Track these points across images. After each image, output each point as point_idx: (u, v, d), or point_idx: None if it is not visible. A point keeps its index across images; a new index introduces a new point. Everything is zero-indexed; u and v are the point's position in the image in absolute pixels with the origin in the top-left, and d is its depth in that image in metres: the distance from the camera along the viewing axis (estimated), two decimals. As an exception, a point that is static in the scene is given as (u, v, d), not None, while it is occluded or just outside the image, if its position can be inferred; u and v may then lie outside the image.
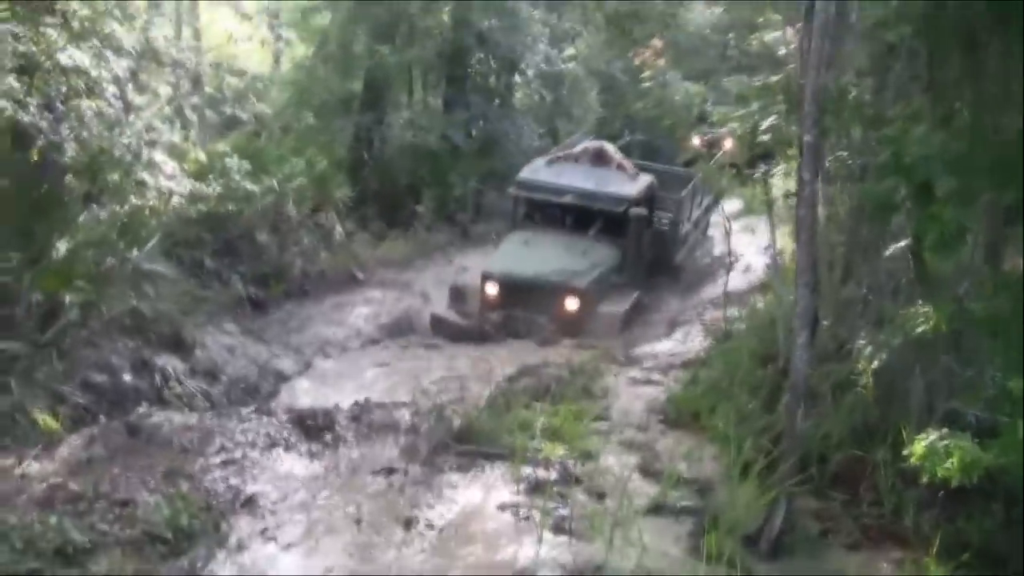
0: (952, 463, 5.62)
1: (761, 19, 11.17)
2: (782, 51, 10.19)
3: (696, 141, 12.02)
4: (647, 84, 12.02)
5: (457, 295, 16.69)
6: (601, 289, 16.65)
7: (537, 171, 18.78)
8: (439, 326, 16.19)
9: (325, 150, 20.29)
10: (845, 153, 9.05)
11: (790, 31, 9.78)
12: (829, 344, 8.53)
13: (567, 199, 17.87)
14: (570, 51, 26.44)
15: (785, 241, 11.95)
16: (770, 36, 10.94)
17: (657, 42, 11.90)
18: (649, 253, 18.21)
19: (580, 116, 27.82)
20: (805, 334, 6.83)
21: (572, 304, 16.01)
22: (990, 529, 6.48)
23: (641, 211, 17.67)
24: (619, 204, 17.57)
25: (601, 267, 16.96)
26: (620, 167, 18.69)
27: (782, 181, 11.81)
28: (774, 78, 9.27)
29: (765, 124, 9.37)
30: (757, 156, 11.31)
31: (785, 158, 10.61)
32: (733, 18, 13.33)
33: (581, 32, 25.93)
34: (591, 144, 19.67)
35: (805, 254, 6.97)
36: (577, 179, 18.31)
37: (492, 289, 16.25)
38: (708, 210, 21.77)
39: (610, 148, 19.31)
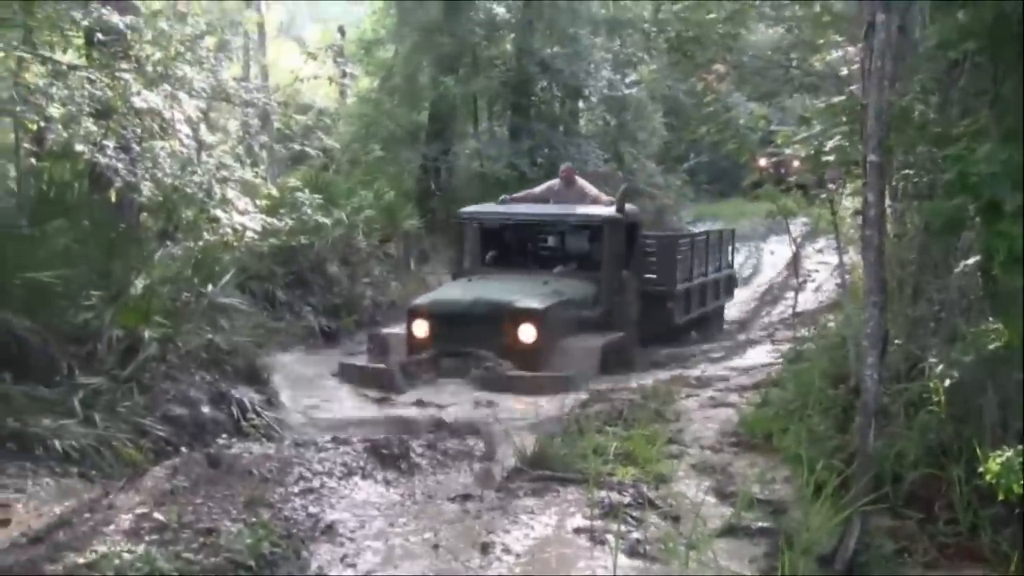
0: (1028, 480, 5.59)
1: (822, 40, 11.19)
2: (844, 71, 10.19)
3: (762, 163, 12.02)
4: (711, 108, 12.04)
5: (379, 346, 13.88)
6: (567, 321, 13.58)
7: (488, 207, 16.38)
8: (347, 374, 13.10)
9: (393, 181, 20.62)
10: (912, 171, 9.02)
11: (852, 50, 9.78)
12: (901, 363, 8.48)
13: (527, 222, 15.55)
14: (633, 76, 26.55)
15: (854, 260, 11.92)
16: (832, 56, 10.95)
17: (720, 66, 11.94)
18: (634, 302, 15.11)
19: (645, 140, 27.94)
20: (875, 353, 6.82)
21: (528, 333, 12.76)
22: (1070, 546, 6.43)
23: (617, 217, 14.82)
24: (590, 223, 15.13)
25: (566, 296, 13.93)
26: (595, 201, 15.86)
27: (849, 201, 11.79)
28: (837, 98, 9.27)
29: (829, 145, 9.36)
30: (823, 176, 11.31)
31: (851, 178, 10.59)
32: (795, 38, 13.28)
33: (643, 58, 25.99)
34: (554, 181, 16.69)
35: (873, 274, 6.96)
36: (539, 208, 15.90)
37: (421, 328, 13.21)
38: (721, 267, 19.45)
39: (581, 181, 16.48)
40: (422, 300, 13.82)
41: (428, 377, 12.24)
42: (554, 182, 16.54)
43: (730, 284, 20.51)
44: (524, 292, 13.42)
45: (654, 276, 16.09)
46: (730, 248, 20.67)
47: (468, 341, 12.57)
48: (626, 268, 14.83)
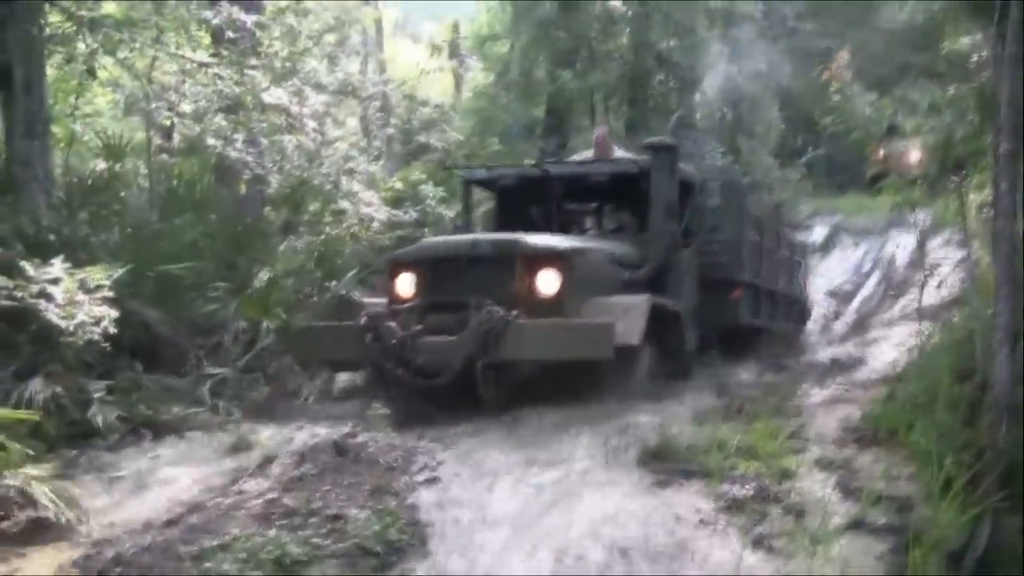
0: None
1: (951, 26, 10.97)
2: (974, 58, 9.99)
3: (882, 153, 11.83)
4: (836, 98, 11.84)
5: (351, 314, 10.53)
6: (601, 274, 10.55)
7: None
8: (303, 341, 10.48)
9: (511, 176, 20.59)
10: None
11: (981, 37, 9.58)
12: (1031, 358, 8.29)
13: (550, 177, 12.54)
14: (751, 68, 26.31)
15: (981, 253, 11.68)
16: (961, 43, 10.73)
17: (844, 55, 11.76)
18: (691, 281, 12.21)
19: (762, 134, 27.64)
20: (1007, 347, 6.69)
21: (548, 282, 9.77)
22: None
23: (667, 145, 11.85)
24: (629, 171, 11.98)
25: (599, 248, 11.11)
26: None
27: (975, 193, 11.54)
28: (967, 86, 9.09)
29: (959, 134, 9.19)
30: (950, 167, 11.09)
31: (979, 169, 10.38)
32: (922, 24, 13.05)
33: (761, 48, 25.75)
34: (584, 154, 14.04)
35: (1004, 266, 6.82)
36: (568, 165, 13.50)
37: (406, 283, 10.23)
38: (793, 284, 16.78)
39: (620, 151, 13.32)
40: (407, 248, 10.93)
41: (410, 335, 9.40)
42: (585, 155, 13.89)
43: (802, 315, 17.78)
44: (544, 237, 10.61)
45: (714, 253, 12.95)
46: (803, 269, 18.11)
47: (467, 294, 9.54)
48: (678, 225, 11.82)
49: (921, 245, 14.40)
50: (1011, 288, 6.76)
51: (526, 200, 12.74)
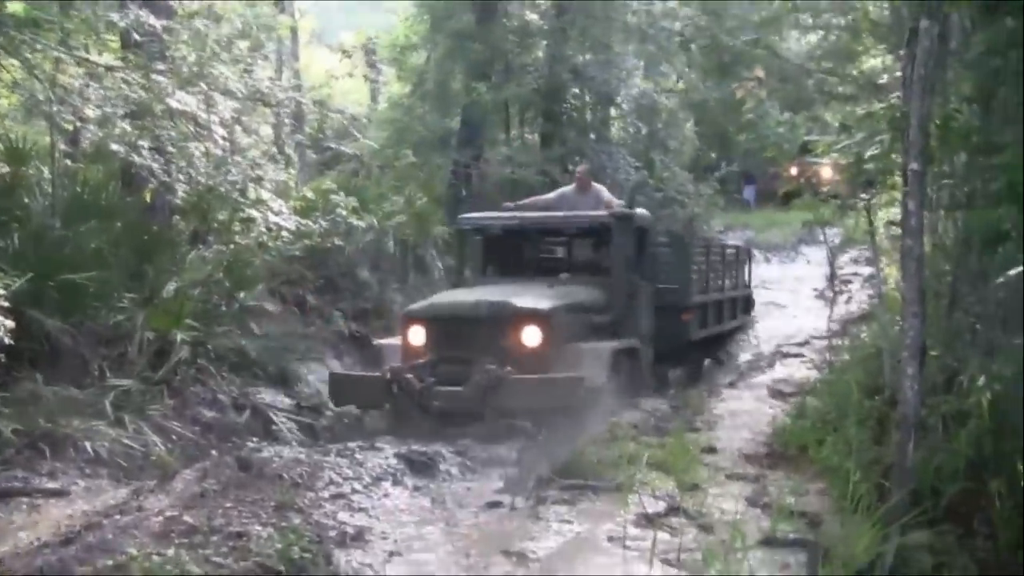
0: (1071, 495, 5.49)
1: (861, 47, 11.10)
2: (883, 79, 10.10)
3: (794, 171, 11.91)
4: (749, 116, 11.92)
5: (373, 357, 12.89)
6: (575, 324, 12.17)
7: (490, 214, 14.91)
8: (338, 387, 12.07)
9: (424, 187, 20.45)
10: (951, 181, 8.92)
11: (889, 58, 9.70)
12: (937, 375, 8.36)
13: (530, 228, 14.20)
14: (666, 84, 26.43)
15: (889, 270, 11.82)
16: (870, 64, 10.86)
17: (759, 72, 11.82)
18: (648, 311, 13.88)
19: (676, 149, 27.78)
20: (914, 364, 6.74)
21: (533, 336, 11.50)
22: (1112, 562, 6.32)
23: (626, 214, 13.50)
24: (596, 225, 13.65)
25: (573, 299, 12.60)
26: (608, 206, 14.02)
27: (883, 211, 11.68)
28: (877, 106, 9.18)
29: (869, 153, 9.27)
30: (860, 185, 11.20)
31: (888, 187, 10.49)
32: (831, 46, 13.17)
33: (682, 68, 25.92)
34: (567, 188, 15.47)
35: (912, 284, 6.87)
36: (542, 214, 14.61)
37: (417, 335, 11.83)
38: (738, 285, 18.32)
39: (597, 186, 15.07)
40: (418, 305, 12.52)
41: (427, 387, 11.00)
42: (567, 188, 15.35)
43: (747, 305, 19.38)
44: (528, 294, 12.18)
45: (666, 285, 14.59)
46: (747, 267, 19.50)
47: (469, 346, 11.37)
48: (636, 272, 13.57)
49: (831, 262, 14.57)
50: (918, 306, 6.81)
51: (507, 244, 14.56)
